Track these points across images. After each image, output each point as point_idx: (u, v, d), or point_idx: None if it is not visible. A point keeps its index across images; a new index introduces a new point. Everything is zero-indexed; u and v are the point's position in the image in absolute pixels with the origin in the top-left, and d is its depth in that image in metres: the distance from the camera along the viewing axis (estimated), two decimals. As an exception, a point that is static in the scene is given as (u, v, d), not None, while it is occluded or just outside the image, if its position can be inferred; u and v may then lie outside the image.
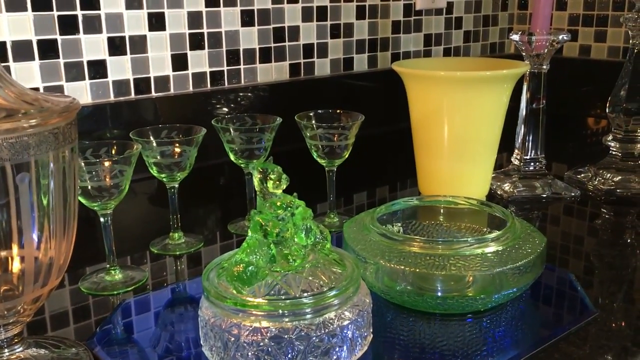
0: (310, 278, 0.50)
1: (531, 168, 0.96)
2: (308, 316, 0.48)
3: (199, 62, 1.10)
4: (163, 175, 0.74)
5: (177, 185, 0.76)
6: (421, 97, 0.87)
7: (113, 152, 0.68)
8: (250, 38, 1.15)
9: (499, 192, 0.95)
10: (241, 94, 1.15)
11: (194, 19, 1.08)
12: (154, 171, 0.74)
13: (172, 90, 1.08)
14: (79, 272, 0.71)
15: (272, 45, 1.19)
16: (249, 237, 0.51)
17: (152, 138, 0.75)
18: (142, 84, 1.04)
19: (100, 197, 0.65)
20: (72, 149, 0.46)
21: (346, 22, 1.28)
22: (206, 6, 1.09)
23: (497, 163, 0.94)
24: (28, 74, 0.93)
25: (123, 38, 1.01)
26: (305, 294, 0.49)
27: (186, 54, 1.08)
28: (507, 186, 0.95)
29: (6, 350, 0.48)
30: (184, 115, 1.07)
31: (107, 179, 0.65)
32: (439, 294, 0.58)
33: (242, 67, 1.15)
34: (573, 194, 0.94)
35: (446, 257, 0.58)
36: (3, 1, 0.89)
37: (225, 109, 1.12)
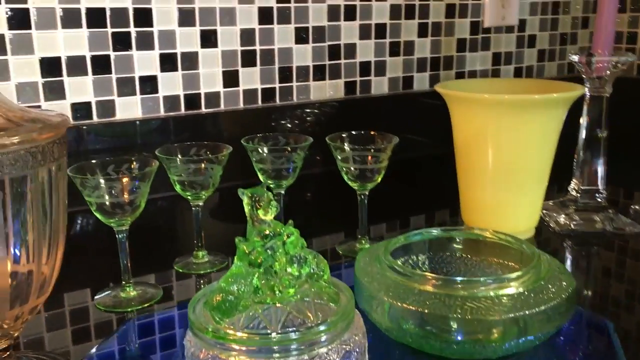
0: (294, 312, 0.47)
1: (590, 200, 0.88)
2: (292, 353, 0.45)
3: (251, 79, 1.10)
4: (188, 194, 0.74)
5: (201, 204, 0.75)
6: (465, 120, 0.82)
7: (133, 167, 0.68)
8: (304, 55, 1.14)
9: (551, 225, 0.87)
10: (293, 111, 1.14)
11: (248, 36, 1.08)
12: (178, 189, 0.74)
13: (222, 107, 1.09)
14: (102, 288, 0.71)
15: (327, 62, 1.17)
16: (235, 264, 0.49)
17: (177, 155, 0.75)
18: (192, 100, 1.06)
19: (116, 214, 0.65)
20: (58, 167, 0.46)
21: (407, 39, 1.24)
22: (259, 23, 1.09)
23: (550, 193, 0.87)
24: (81, 89, 0.96)
25: (175, 54, 1.03)
26: (287, 330, 0.46)
27: (237, 70, 1.08)
28: (562, 219, 0.87)
29: (-8, 364, 0.49)
30: (233, 131, 1.07)
31: (125, 196, 0.65)
32: (452, 337, 0.54)
33: (294, 84, 1.14)
34: (638, 231, 0.85)
35: (460, 298, 0.53)
36: (59, 18, 0.93)
37: (277, 126, 1.11)
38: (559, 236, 0.85)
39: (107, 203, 0.64)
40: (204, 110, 1.07)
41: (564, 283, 0.55)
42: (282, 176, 0.78)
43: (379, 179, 0.78)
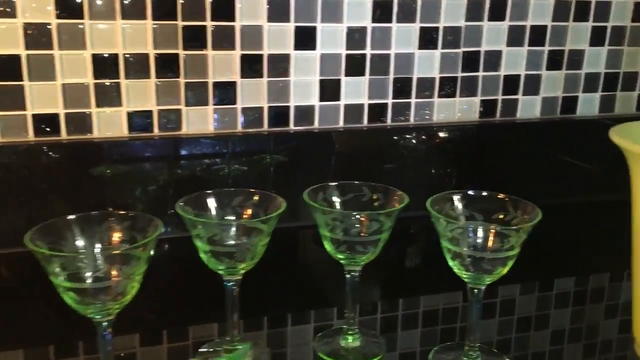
0: None
1: None
2: None
3: (356, 91, 0.86)
4: (220, 269, 0.52)
5: (239, 280, 0.53)
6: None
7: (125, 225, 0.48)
8: (429, 63, 0.87)
9: None
10: (408, 136, 0.88)
11: (357, 35, 0.84)
12: (203, 257, 0.52)
13: (316, 124, 0.86)
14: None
15: (460, 74, 0.89)
16: None
17: (212, 207, 0.53)
18: (279, 115, 0.84)
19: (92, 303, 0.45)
20: None
21: (574, 48, 0.93)
22: (374, 20, 0.84)
23: None
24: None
25: (260, 57, 0.81)
26: None
27: (339, 80, 0.85)
28: None
29: None
30: (326, 159, 0.85)
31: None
32: None
33: (413, 100, 0.88)
34: None
35: None
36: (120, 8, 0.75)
37: (384, 155, 0.87)
38: None
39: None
40: (292, 127, 0.85)
41: None
42: (357, 250, 0.53)
43: (504, 272, 0.51)
